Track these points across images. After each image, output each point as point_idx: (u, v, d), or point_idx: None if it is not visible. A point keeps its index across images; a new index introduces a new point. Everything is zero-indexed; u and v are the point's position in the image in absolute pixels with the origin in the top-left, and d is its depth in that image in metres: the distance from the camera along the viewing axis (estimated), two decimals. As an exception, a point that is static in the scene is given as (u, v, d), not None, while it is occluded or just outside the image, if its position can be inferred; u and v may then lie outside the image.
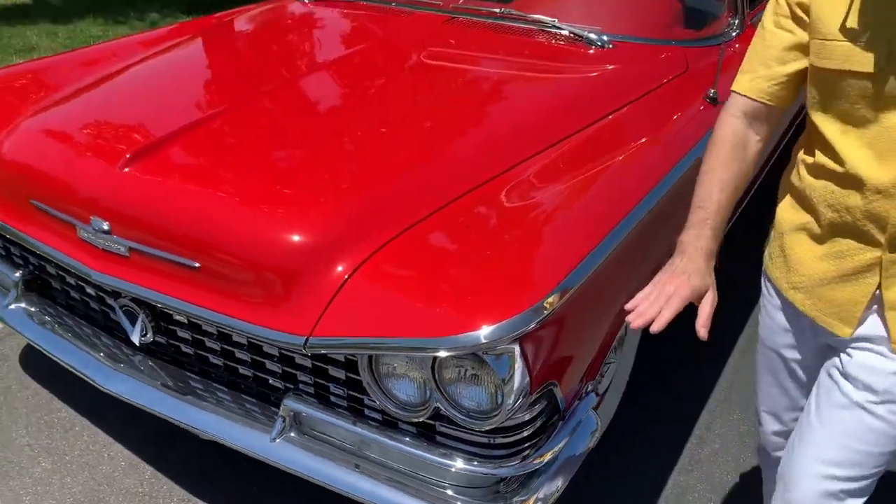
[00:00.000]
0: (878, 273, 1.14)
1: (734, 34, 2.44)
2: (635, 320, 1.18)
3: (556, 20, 2.30)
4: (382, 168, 1.60)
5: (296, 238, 1.41)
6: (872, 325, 1.18)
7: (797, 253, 1.24)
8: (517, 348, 1.26)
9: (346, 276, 1.38)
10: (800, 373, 1.36)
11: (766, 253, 1.36)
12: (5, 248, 2.01)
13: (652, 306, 1.18)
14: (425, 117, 1.91)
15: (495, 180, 1.63)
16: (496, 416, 1.32)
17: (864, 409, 1.18)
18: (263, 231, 1.43)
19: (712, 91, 2.02)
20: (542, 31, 2.29)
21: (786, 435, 1.43)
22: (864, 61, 1.07)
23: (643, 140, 1.83)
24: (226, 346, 1.60)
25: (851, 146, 1.12)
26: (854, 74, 1.09)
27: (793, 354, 1.35)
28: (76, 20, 5.68)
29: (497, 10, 2.39)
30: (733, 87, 1.30)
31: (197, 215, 1.48)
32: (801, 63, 1.19)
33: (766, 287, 1.37)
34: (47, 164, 1.78)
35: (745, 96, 1.27)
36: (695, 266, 1.22)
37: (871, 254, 1.14)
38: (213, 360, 1.65)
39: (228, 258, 1.45)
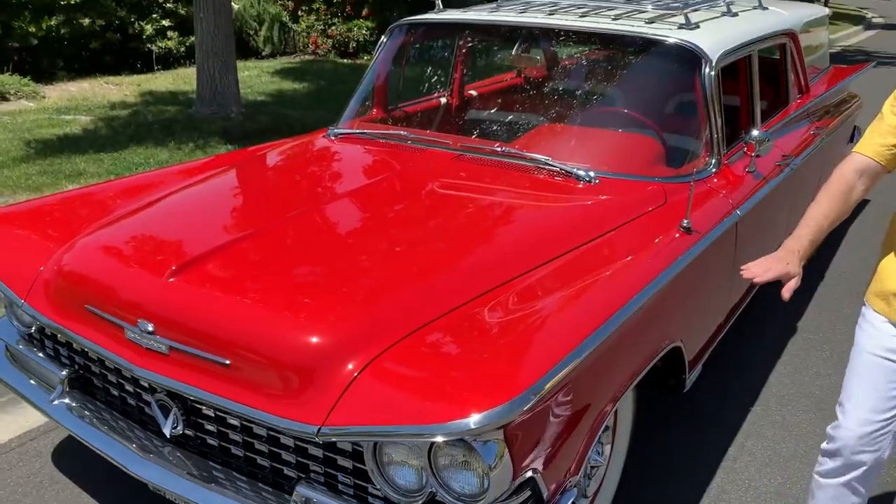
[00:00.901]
0: None
1: (712, 171, 2.76)
2: (745, 272, 1.82)
3: (550, 158, 2.63)
4: (392, 281, 1.87)
5: (312, 340, 1.66)
6: None
7: None
8: (503, 436, 1.47)
9: (355, 374, 1.61)
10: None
11: (872, 294, 1.90)
12: (54, 349, 2.26)
13: (757, 268, 1.82)
14: (433, 239, 2.20)
15: (491, 292, 1.89)
16: (482, 500, 1.50)
17: None
18: (285, 333, 1.68)
19: (685, 222, 2.30)
20: (538, 167, 2.62)
21: (871, 436, 1.84)
22: None
23: (622, 262, 2.10)
24: (247, 438, 1.81)
25: None
26: None
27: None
28: (120, 148, 6.21)
29: (498, 149, 2.74)
30: (854, 149, 1.85)
31: (228, 319, 1.74)
32: None
33: (872, 316, 1.88)
34: (101, 275, 2.07)
35: (862, 155, 1.82)
36: (790, 258, 1.81)
37: None
38: (235, 450, 1.85)
39: (254, 356, 1.70)
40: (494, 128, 3.30)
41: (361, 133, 3.09)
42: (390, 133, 3.01)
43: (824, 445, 1.95)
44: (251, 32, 13.41)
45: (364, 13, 12.97)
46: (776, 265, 1.81)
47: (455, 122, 3.39)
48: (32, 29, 9.47)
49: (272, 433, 1.73)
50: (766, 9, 3.90)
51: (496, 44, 3.45)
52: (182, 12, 11.82)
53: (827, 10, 4.98)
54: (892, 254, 1.86)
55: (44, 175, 5.53)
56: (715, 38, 2.92)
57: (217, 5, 6.78)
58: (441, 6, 3.63)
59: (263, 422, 1.67)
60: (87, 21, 10.12)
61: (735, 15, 3.43)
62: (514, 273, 1.98)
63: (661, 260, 2.15)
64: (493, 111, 3.44)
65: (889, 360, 1.83)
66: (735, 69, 3.33)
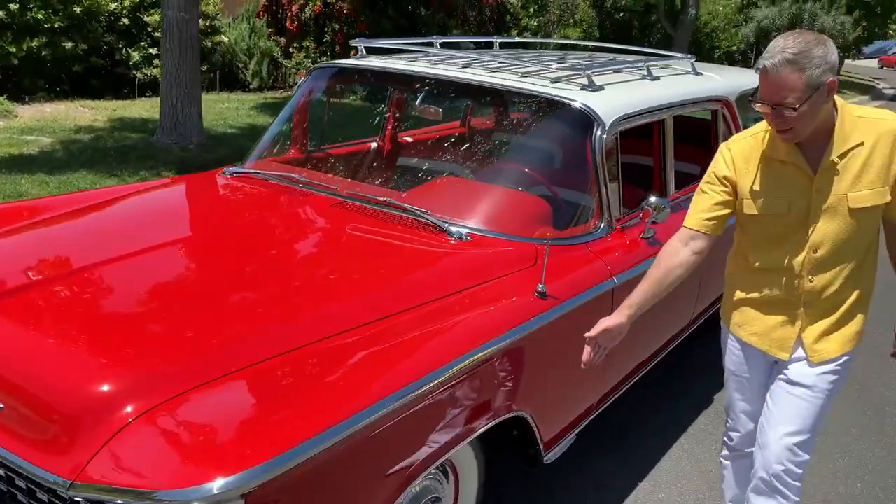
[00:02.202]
0: (800, 321, 2.07)
1: (600, 236, 2.72)
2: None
3: (428, 212, 2.60)
4: (192, 333, 1.80)
5: (79, 388, 1.60)
6: (799, 351, 2.08)
7: (750, 315, 2.15)
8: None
9: (119, 428, 1.54)
10: (756, 387, 2.22)
11: (725, 317, 2.26)
12: None
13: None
14: (266, 288, 2.14)
15: (303, 349, 1.82)
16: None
17: (800, 396, 2.07)
18: (53, 380, 1.62)
19: (540, 286, 2.25)
20: (416, 220, 2.58)
21: (750, 435, 2.26)
22: (776, 209, 1.98)
23: (457, 323, 2.04)
24: (11, 488, 1.72)
25: (769, 252, 2.04)
26: (770, 216, 2.00)
27: (752, 374, 2.22)
28: (70, 172, 6.22)
29: (380, 199, 2.70)
30: (684, 223, 2.09)
31: (5, 359, 1.68)
32: (725, 210, 2.06)
33: (731, 339, 2.24)
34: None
35: (687, 228, 2.07)
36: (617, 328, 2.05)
37: (793, 310, 2.06)
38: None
39: (24, 401, 1.63)
40: (394, 177, 3.29)
41: (255, 173, 3.06)
42: (282, 175, 2.97)
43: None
44: (240, 66, 13.62)
45: (352, 52, 13.20)
46: (600, 337, 2.04)
47: (357, 168, 3.37)
48: (13, 49, 9.60)
49: (30, 485, 1.65)
50: (699, 74, 3.91)
51: (413, 94, 3.45)
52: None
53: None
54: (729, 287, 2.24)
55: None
56: (615, 101, 2.90)
57: (183, 38, 6.87)
58: (364, 52, 3.65)
59: (24, 471, 1.60)
60: (69, 45, 10.26)
61: (656, 79, 3.44)
62: (336, 330, 1.92)
63: (500, 324, 2.09)
64: (396, 160, 3.43)
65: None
66: (649, 133, 3.32)
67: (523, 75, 3.08)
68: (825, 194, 1.93)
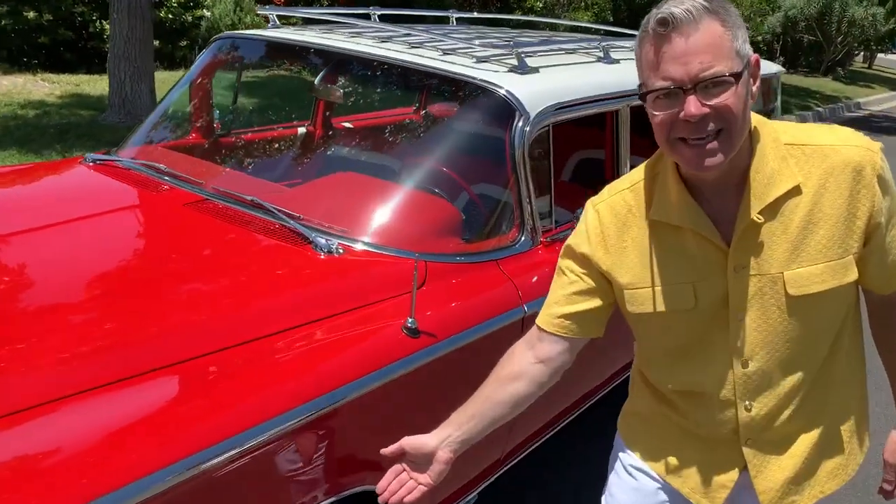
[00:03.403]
0: (742, 464, 1.39)
1: (519, 251, 2.26)
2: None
3: (300, 217, 2.15)
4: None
5: None
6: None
7: (662, 445, 1.47)
8: None
9: None
10: None
11: (624, 430, 1.57)
12: None
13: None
14: (96, 296, 1.73)
15: (76, 395, 1.38)
16: None
17: None
18: None
19: (410, 320, 1.79)
20: (283, 227, 2.13)
21: None
22: (676, 303, 1.29)
23: (293, 364, 1.60)
24: None
25: (674, 370, 1.37)
26: (667, 315, 1.31)
27: None
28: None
29: (247, 198, 2.25)
30: (536, 321, 1.44)
31: None
32: (590, 304, 1.38)
33: (627, 458, 1.54)
34: None
35: (537, 326, 1.43)
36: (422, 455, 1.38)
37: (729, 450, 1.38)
38: None
39: None
40: (293, 169, 2.84)
41: (117, 160, 2.61)
42: (144, 164, 2.52)
43: None
44: (224, 42, 13.15)
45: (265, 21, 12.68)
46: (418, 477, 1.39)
47: (248, 159, 2.92)
48: (-29, 17, 9.21)
49: None
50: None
51: (317, 71, 3.00)
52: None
53: (777, 69, 4.46)
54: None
55: None
56: (547, 87, 2.43)
57: (133, 7, 6.43)
58: (277, 22, 3.19)
59: None
60: (32, 14, 9.85)
61: (614, 62, 2.96)
62: (112, 376, 1.47)
63: (348, 368, 1.64)
64: (301, 150, 2.98)
65: None
66: (601, 126, 2.86)
67: (445, 52, 2.61)
68: (748, 275, 1.25)
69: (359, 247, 2.08)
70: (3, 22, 9.60)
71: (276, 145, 3.31)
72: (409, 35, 2.88)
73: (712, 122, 1.15)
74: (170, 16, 11.87)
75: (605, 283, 1.37)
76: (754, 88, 1.20)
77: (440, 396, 1.86)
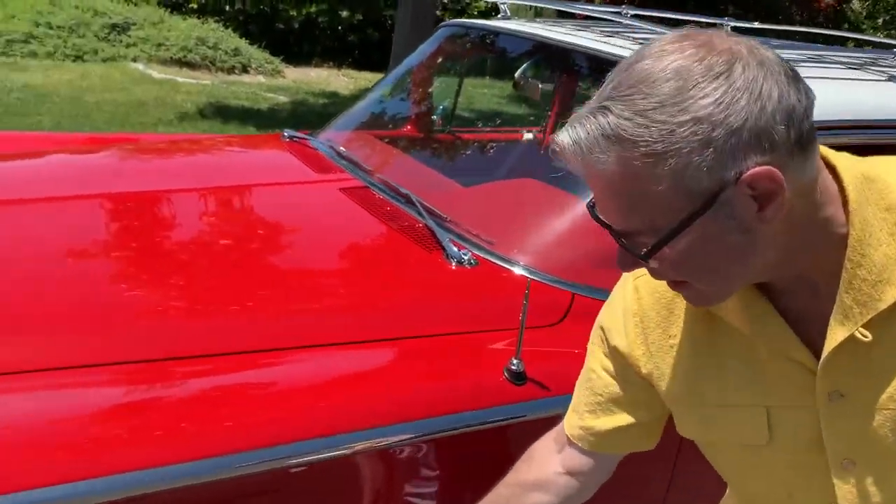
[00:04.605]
0: None
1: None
2: None
3: (448, 218, 1.91)
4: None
5: None
6: None
7: None
8: None
9: None
10: None
11: None
12: None
13: None
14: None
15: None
16: None
17: None
18: None
19: (514, 362, 1.45)
20: (426, 226, 1.90)
21: None
22: (743, 435, 0.90)
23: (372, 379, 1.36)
24: None
25: None
26: (732, 449, 0.94)
27: None
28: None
29: (403, 191, 2.06)
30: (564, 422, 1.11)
31: None
32: (623, 417, 1.02)
33: None
34: None
35: (565, 431, 1.09)
36: None
37: None
38: None
39: None
40: (476, 174, 2.61)
41: (302, 138, 2.61)
42: (330, 146, 2.47)
43: None
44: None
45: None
46: None
47: (439, 154, 2.74)
48: (294, 13, 10.40)
49: None
50: None
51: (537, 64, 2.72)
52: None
53: None
54: None
55: (148, 126, 5.93)
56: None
57: (415, 14, 6.69)
58: (507, 13, 2.99)
59: None
60: (346, 13, 10.86)
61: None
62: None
63: (435, 401, 1.37)
64: (504, 155, 2.73)
65: None
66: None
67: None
68: (851, 406, 0.83)
69: (500, 262, 1.78)
70: (320, 20, 10.70)
71: (490, 148, 3.12)
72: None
73: (656, 275, 0.82)
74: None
75: (649, 392, 0.98)
76: (767, 211, 0.74)
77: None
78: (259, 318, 1.48)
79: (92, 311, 1.44)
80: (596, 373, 1.04)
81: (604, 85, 0.76)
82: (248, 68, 9.41)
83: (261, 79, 9.20)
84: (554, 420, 1.47)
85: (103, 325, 1.40)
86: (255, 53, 9.72)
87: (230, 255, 1.77)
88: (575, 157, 0.75)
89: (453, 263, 1.76)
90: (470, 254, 1.77)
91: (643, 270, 0.87)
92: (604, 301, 1.70)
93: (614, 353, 1.01)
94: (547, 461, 1.08)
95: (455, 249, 1.77)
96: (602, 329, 1.03)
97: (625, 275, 1.02)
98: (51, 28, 9.29)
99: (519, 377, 1.44)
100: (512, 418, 1.44)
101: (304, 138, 2.67)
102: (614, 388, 1.01)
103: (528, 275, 1.72)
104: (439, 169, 2.53)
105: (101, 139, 2.73)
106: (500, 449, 1.46)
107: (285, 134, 2.71)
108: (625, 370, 1.00)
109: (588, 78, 2.64)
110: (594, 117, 0.73)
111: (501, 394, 1.43)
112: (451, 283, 1.71)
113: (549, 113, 3.28)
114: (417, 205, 1.95)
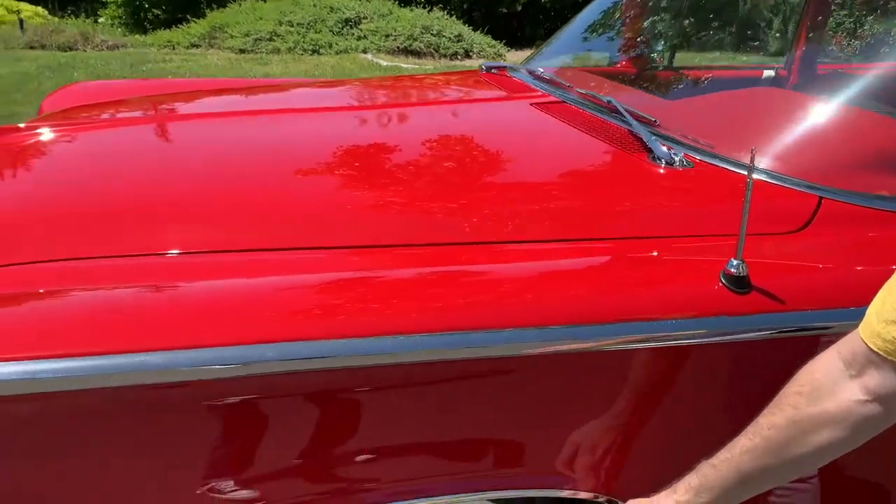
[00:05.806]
0: None
1: None
2: None
3: (657, 121, 1.64)
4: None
5: None
6: None
7: None
8: None
9: None
10: None
11: None
12: None
13: None
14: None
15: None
16: None
17: None
18: None
19: (734, 262, 1.14)
20: (630, 131, 1.64)
21: None
22: None
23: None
24: None
25: None
26: None
27: None
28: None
29: (604, 99, 1.81)
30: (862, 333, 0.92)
31: None
32: None
33: None
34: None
35: (865, 344, 0.91)
36: None
37: None
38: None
39: None
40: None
41: (508, 67, 2.46)
42: (528, 71, 2.28)
43: None
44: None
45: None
46: None
47: (647, 83, 2.41)
48: (518, -2, 10.36)
49: None
50: None
51: None
52: None
53: None
54: None
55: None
56: None
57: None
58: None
59: None
60: (569, -7, 10.62)
61: None
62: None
63: (643, 305, 1.12)
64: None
65: None
66: None
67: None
68: None
69: (721, 164, 1.47)
70: (544, 1, 10.55)
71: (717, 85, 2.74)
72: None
73: None
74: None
75: None
76: None
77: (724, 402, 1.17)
78: (478, 215, 1.33)
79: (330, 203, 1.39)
80: None
81: None
82: (471, 53, 9.51)
83: (482, 62, 9.21)
84: (773, 345, 1.16)
85: (337, 213, 1.34)
86: (478, 38, 9.80)
87: (447, 160, 1.66)
88: None
89: (662, 164, 1.48)
90: (682, 154, 1.48)
91: None
92: (860, 206, 1.36)
93: None
94: (842, 387, 0.91)
95: (664, 150, 1.49)
96: None
97: None
98: (291, 26, 10.04)
99: (739, 283, 1.14)
100: (729, 334, 1.14)
101: (502, 67, 2.54)
102: None
103: (756, 176, 1.39)
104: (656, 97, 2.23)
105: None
106: (719, 367, 1.17)
107: (483, 66, 2.59)
108: None
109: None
110: None
111: (715, 299, 1.13)
112: (660, 186, 1.44)
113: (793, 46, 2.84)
114: (620, 109, 1.69)
